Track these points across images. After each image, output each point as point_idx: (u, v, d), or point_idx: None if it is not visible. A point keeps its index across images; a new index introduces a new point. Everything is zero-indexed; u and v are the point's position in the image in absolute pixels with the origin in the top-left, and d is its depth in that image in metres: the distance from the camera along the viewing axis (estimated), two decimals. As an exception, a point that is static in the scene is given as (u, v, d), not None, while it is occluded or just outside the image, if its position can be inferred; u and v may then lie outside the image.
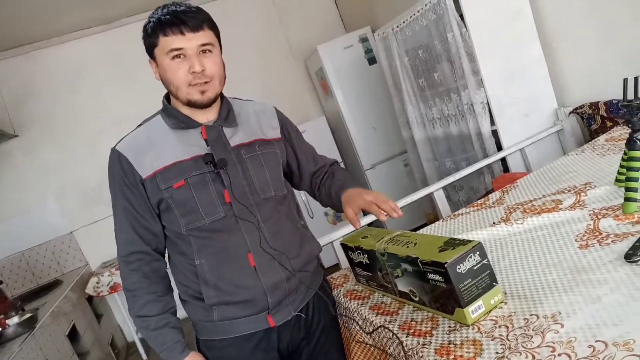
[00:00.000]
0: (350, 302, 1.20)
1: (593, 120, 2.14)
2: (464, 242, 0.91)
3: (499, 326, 0.85)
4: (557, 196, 1.35)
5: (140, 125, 1.14)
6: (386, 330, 1.00)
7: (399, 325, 0.99)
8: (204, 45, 1.02)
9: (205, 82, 1.04)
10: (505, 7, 2.20)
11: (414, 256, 0.94)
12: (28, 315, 2.33)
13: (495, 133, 2.31)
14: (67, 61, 3.56)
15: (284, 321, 1.13)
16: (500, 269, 1.07)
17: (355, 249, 1.16)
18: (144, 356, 3.34)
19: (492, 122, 2.29)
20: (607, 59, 2.06)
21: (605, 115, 2.03)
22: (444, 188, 2.08)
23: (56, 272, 3.62)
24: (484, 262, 0.90)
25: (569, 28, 2.18)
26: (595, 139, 1.82)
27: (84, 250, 3.69)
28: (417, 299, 1.01)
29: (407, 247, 1.00)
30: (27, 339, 2.06)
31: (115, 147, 1.10)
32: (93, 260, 3.69)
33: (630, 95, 1.04)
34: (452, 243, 0.93)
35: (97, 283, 3.22)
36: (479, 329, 0.87)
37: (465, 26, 2.15)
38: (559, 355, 0.70)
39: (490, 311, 0.90)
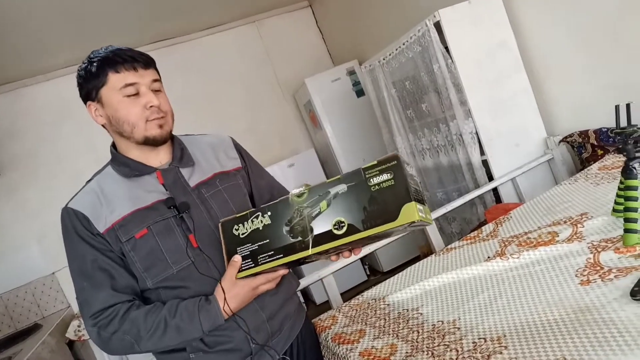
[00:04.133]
0: (338, 347, 1.11)
1: (583, 149, 2.12)
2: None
3: (500, 375, 0.77)
4: (552, 228, 1.29)
5: (90, 180, 1.07)
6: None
7: (391, 374, 0.91)
8: (155, 81, 1.01)
9: (162, 117, 1.01)
10: (490, 39, 2.21)
11: (353, 170, 0.81)
12: (-1, 365, 2.18)
13: (485, 163, 2.28)
14: (52, 99, 3.52)
15: None
16: (498, 308, 1.00)
17: (250, 215, 0.91)
18: (126, 404, 3.15)
19: (482, 152, 2.26)
20: (594, 87, 2.06)
21: (595, 143, 2.01)
22: (436, 220, 2.03)
23: (36, 315, 3.45)
24: (417, 179, 0.82)
25: (555, 58, 2.20)
26: (588, 168, 1.78)
27: (66, 291, 3.54)
28: (343, 230, 0.80)
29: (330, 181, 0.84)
30: (-3, 391, 1.91)
31: (67, 205, 1.02)
32: (75, 301, 3.54)
33: (623, 123, 1.01)
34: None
35: (79, 326, 3.07)
36: (478, 378, 0.79)
37: (451, 57, 2.15)
38: (569, 410, 0.63)
39: (424, 223, 0.79)
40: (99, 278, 0.97)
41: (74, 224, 0.99)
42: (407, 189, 0.76)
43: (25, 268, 3.43)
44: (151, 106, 0.98)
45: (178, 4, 3.20)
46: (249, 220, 0.90)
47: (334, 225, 0.81)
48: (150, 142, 1.01)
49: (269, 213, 0.88)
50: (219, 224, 0.96)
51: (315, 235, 0.82)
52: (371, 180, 0.79)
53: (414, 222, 0.75)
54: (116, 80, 0.97)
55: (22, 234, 3.46)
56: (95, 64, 0.97)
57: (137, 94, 0.98)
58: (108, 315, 0.95)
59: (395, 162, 0.77)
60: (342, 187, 0.81)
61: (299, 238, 0.83)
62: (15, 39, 2.80)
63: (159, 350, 0.99)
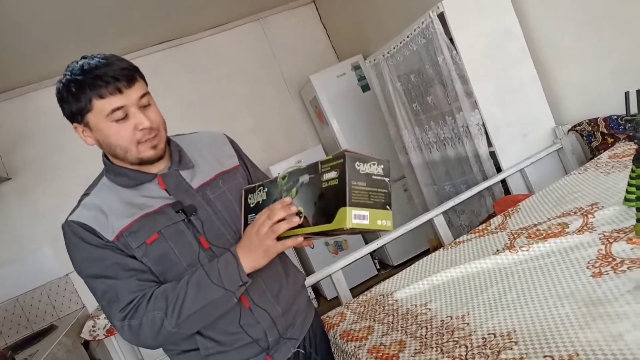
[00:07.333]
0: (347, 345, 1.11)
1: (593, 137, 2.08)
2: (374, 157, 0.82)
3: (510, 371, 0.76)
4: (562, 219, 1.27)
5: (87, 194, 1.02)
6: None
7: (401, 372, 0.91)
8: (142, 96, 0.94)
9: (155, 136, 0.96)
10: (495, 28, 2.18)
11: (315, 161, 0.83)
12: (16, 367, 2.22)
13: (493, 154, 2.25)
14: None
15: None
16: (508, 302, 0.99)
17: (258, 187, 1.00)
18: (142, 403, 3.19)
19: (490, 144, 2.24)
20: (602, 74, 2.02)
21: (605, 131, 1.97)
22: (445, 213, 2.01)
23: (52, 316, 3.50)
24: (386, 180, 0.79)
25: (562, 46, 2.16)
26: (598, 157, 1.75)
27: (81, 293, 3.58)
28: (302, 220, 0.84)
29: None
30: (14, 393, 1.94)
31: (68, 220, 0.97)
32: (90, 302, 3.58)
33: (633, 109, 0.98)
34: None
35: (93, 327, 3.10)
36: (488, 374, 0.78)
37: (456, 49, 2.12)
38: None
39: (373, 230, 0.77)
40: (123, 275, 0.93)
41: (82, 235, 0.94)
42: (344, 191, 0.74)
43: (39, 270, 3.47)
44: (142, 128, 0.93)
45: (182, 4, 3.20)
46: (256, 192, 0.98)
47: (298, 213, 0.83)
48: (146, 162, 0.98)
49: (266, 190, 0.95)
50: (243, 190, 1.02)
51: None
52: (323, 175, 0.79)
53: (343, 229, 0.73)
54: (102, 106, 0.90)
55: (35, 236, 3.49)
56: (74, 86, 0.91)
57: (125, 117, 0.92)
58: (136, 302, 0.92)
59: (342, 160, 0.75)
60: (305, 178, 0.82)
61: None
62: (21, 44, 2.82)
63: (186, 329, 0.94)
